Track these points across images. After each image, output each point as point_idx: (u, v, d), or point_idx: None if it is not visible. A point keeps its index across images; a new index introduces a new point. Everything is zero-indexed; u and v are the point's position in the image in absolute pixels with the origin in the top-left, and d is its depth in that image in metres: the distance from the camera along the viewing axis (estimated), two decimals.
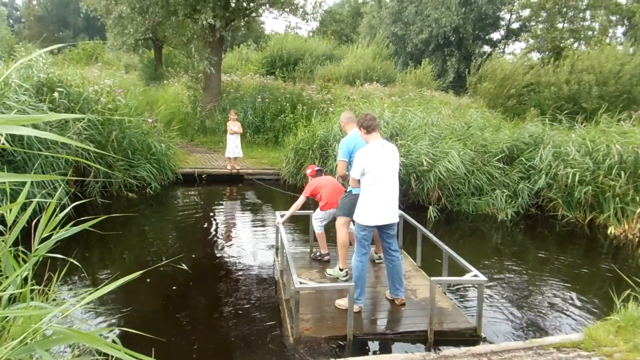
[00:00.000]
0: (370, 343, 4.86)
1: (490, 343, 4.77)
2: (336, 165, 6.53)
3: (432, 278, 4.93)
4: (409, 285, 5.85)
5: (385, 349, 4.82)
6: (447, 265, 5.82)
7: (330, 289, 5.61)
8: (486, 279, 5.02)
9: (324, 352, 4.62)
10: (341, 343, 4.75)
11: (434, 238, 6.14)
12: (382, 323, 5.15)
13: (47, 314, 2.26)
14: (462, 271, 5.37)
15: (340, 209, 5.89)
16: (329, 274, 6.22)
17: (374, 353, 4.70)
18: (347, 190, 5.83)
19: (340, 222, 5.90)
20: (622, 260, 8.15)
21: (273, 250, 7.53)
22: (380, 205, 5.01)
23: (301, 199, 6.67)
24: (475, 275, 5.00)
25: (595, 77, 17.81)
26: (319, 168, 7.10)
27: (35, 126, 8.12)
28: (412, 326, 5.04)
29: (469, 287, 6.46)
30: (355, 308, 5.10)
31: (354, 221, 5.38)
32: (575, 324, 5.51)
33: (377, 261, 6.68)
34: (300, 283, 4.77)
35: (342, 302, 5.33)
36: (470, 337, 4.98)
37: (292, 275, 4.84)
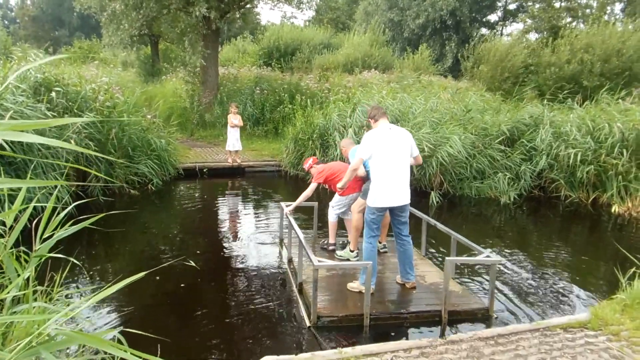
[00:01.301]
0: (386, 322, 4.93)
1: (502, 324, 4.77)
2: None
3: (447, 258, 4.99)
4: (417, 272, 5.87)
5: (400, 327, 4.91)
6: (455, 249, 5.83)
7: (348, 266, 5.80)
8: (499, 258, 5.09)
9: (342, 331, 4.74)
10: (358, 323, 4.82)
11: (440, 225, 6.17)
12: (396, 303, 5.24)
13: (52, 317, 2.26)
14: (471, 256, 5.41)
15: (364, 193, 5.91)
16: (340, 256, 6.36)
17: (390, 333, 4.77)
18: None
19: (357, 205, 6.08)
20: (626, 238, 8.14)
21: (277, 240, 7.55)
22: (389, 187, 5.05)
23: (312, 187, 6.46)
24: (488, 256, 5.05)
25: (597, 55, 17.66)
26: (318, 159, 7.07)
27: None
28: (427, 306, 5.14)
29: (472, 273, 6.46)
30: (362, 288, 5.17)
31: None
32: (581, 304, 5.50)
33: (381, 250, 6.66)
34: (319, 261, 4.83)
35: (354, 285, 5.42)
36: (482, 317, 5.07)
37: (309, 255, 4.92)
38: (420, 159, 5.49)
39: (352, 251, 6.32)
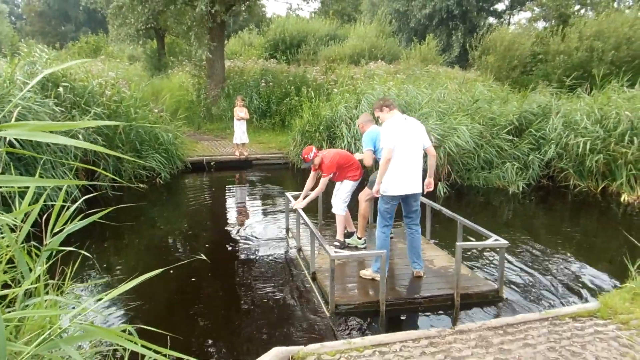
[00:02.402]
0: (401, 307, 5.09)
1: (511, 314, 4.77)
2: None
3: (457, 243, 5.15)
4: (424, 256, 5.99)
5: (415, 312, 5.07)
6: (462, 234, 5.96)
7: (364, 256, 5.92)
8: (507, 242, 5.20)
9: (360, 318, 4.89)
10: (375, 309, 4.97)
11: (445, 210, 6.30)
12: (409, 289, 5.40)
13: (65, 312, 2.28)
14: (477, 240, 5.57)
15: (371, 183, 6.07)
16: (348, 243, 6.46)
17: (406, 318, 4.99)
18: None
19: (364, 194, 6.30)
20: (636, 227, 8.09)
21: (284, 232, 7.59)
22: (403, 175, 5.15)
23: (324, 182, 6.24)
24: (497, 239, 5.20)
25: (609, 43, 17.44)
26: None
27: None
28: (439, 290, 5.30)
29: (478, 257, 6.46)
30: (376, 277, 5.32)
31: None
32: (590, 293, 5.49)
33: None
34: (335, 252, 4.97)
35: (367, 272, 5.56)
36: (493, 299, 5.26)
37: (325, 247, 5.06)
38: (433, 150, 5.42)
39: (359, 238, 6.49)
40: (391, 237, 6.59)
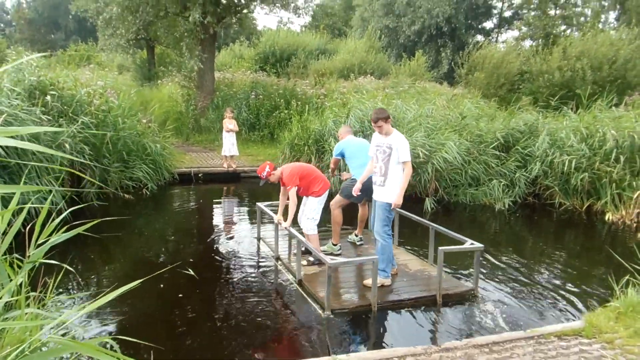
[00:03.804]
0: (391, 309, 5.44)
1: (496, 333, 4.77)
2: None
3: (440, 248, 5.54)
4: (397, 261, 6.42)
5: (403, 313, 5.40)
6: (434, 240, 6.45)
7: (358, 262, 6.29)
8: (482, 245, 5.74)
9: (354, 320, 5.18)
10: (366, 312, 5.29)
11: (414, 216, 6.85)
12: (395, 292, 5.74)
13: (44, 323, 2.24)
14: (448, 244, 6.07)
15: (343, 191, 6.59)
16: (323, 250, 6.50)
17: (396, 319, 5.33)
18: (353, 177, 6.57)
19: (337, 202, 6.64)
20: (620, 246, 8.16)
21: (256, 238, 7.86)
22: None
23: (294, 193, 6.16)
24: (473, 243, 5.75)
25: (589, 62, 17.74)
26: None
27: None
28: (422, 292, 5.72)
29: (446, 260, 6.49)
30: (387, 282, 5.76)
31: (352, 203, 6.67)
32: (575, 311, 5.51)
33: (358, 243, 7.34)
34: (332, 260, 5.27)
35: (369, 282, 5.63)
36: (470, 297, 5.74)
37: (321, 256, 5.42)
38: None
39: (335, 245, 6.73)
40: (360, 244, 7.29)
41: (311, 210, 6.32)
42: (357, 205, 7.06)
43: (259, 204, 7.58)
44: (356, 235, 7.38)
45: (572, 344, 4.25)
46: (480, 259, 6.00)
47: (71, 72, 11.86)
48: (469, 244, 5.77)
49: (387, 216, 5.61)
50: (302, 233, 6.32)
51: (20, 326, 2.45)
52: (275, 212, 6.74)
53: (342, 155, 6.82)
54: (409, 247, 7.39)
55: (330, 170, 7.56)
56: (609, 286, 5.34)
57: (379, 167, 5.62)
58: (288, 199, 6.30)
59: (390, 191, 5.51)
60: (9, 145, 1.66)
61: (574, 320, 5.15)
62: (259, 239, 7.78)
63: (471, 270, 6.22)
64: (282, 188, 6.44)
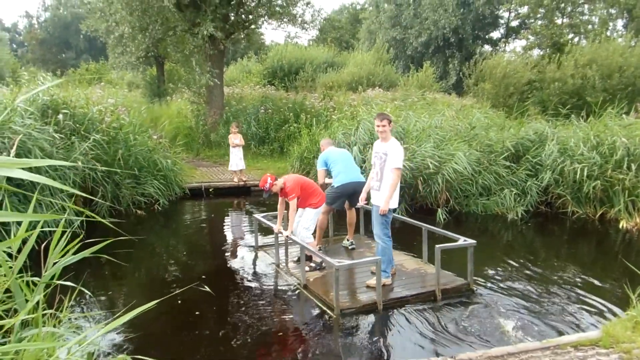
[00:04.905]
0: (394, 306, 5.75)
1: (512, 343, 4.72)
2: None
3: (437, 246, 5.94)
4: (394, 261, 6.55)
5: (407, 308, 5.72)
6: (427, 239, 6.86)
7: (363, 264, 6.50)
8: (474, 241, 6.11)
9: (362, 318, 5.48)
10: (373, 310, 5.64)
11: (405, 218, 7.36)
12: (397, 290, 6.10)
13: (61, 344, 2.26)
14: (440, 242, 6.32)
15: (326, 198, 7.04)
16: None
17: (400, 313, 5.60)
18: (333, 185, 7.16)
19: (323, 209, 7.02)
20: (635, 254, 8.07)
21: (254, 247, 8.06)
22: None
23: (294, 204, 6.55)
24: (466, 240, 6.12)
25: (600, 71, 17.69)
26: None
27: (41, 149, 8.18)
28: (422, 289, 6.12)
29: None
30: (388, 281, 6.04)
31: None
32: (592, 322, 5.44)
33: (350, 247, 7.65)
34: (338, 262, 5.60)
35: (372, 282, 6.00)
36: (466, 291, 6.17)
37: (328, 260, 5.74)
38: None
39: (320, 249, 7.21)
40: (352, 248, 7.61)
41: (307, 220, 6.75)
42: (345, 211, 7.68)
43: (255, 215, 7.98)
44: (347, 240, 7.75)
45: (589, 355, 4.19)
46: (493, 268, 6.33)
47: (82, 90, 12.01)
48: (462, 240, 6.14)
49: (385, 219, 5.87)
50: None
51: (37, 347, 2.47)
52: (271, 220, 7.39)
53: (326, 164, 7.33)
54: (399, 246, 7.45)
55: (319, 184, 7.40)
56: (626, 295, 5.28)
57: (375, 172, 6.01)
58: (286, 208, 6.75)
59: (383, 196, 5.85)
60: (23, 177, 1.71)
61: (588, 330, 5.09)
62: (257, 248, 8.01)
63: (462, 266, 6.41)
64: (280, 198, 6.81)
